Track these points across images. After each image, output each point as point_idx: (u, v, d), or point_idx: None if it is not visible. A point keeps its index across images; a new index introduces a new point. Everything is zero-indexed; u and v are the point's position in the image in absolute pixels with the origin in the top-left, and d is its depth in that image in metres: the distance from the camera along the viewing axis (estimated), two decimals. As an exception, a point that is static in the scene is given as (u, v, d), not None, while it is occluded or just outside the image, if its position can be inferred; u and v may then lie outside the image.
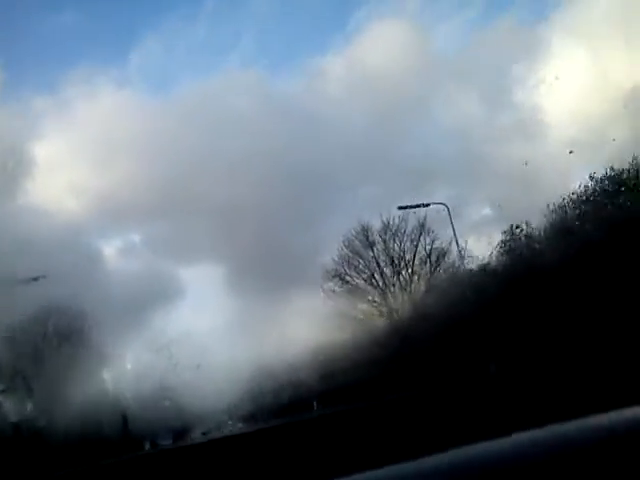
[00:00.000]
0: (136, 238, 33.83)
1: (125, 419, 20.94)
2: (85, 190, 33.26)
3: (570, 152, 23.00)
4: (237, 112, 33.44)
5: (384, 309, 26.12)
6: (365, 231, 27.81)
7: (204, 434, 24.59)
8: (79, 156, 33.73)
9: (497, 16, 51.22)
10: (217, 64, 50.01)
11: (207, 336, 23.68)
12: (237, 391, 22.75)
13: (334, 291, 27.28)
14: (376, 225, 27.96)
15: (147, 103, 37.39)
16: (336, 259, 27.74)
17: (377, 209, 27.74)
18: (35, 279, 19.25)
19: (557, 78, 25.66)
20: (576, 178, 22.43)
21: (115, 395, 21.63)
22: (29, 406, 19.78)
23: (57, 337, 22.14)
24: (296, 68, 48.21)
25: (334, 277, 27.61)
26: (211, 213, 29.38)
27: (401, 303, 25.31)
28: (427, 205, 22.58)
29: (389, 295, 26.63)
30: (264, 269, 28.34)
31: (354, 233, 27.74)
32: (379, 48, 36.17)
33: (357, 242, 27.87)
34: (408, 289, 26.58)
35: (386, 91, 34.08)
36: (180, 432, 23.10)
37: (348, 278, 27.56)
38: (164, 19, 58.91)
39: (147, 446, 22.39)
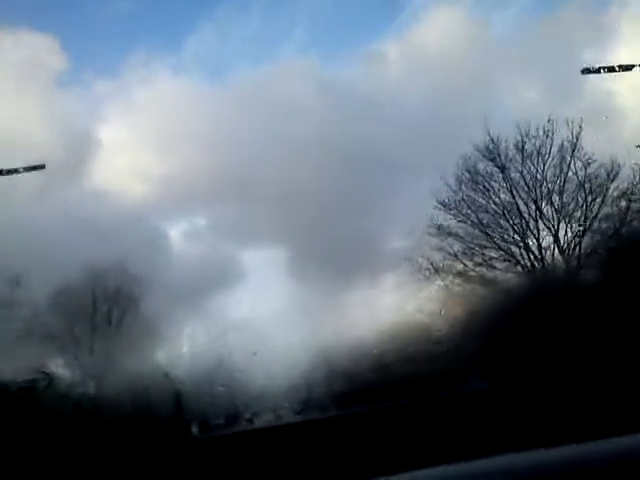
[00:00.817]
0: (201, 222, 33.03)
1: (179, 397, 19.69)
2: (150, 173, 32.85)
3: (637, 146, 21.97)
4: (295, 98, 32.36)
5: (522, 260, 19.73)
6: (495, 145, 20.27)
7: (252, 416, 23.43)
8: (142, 139, 33.45)
9: (554, 4, 50.11)
10: (271, 53, 50.20)
11: (266, 321, 22.48)
12: (295, 377, 21.66)
13: (448, 232, 20.27)
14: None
15: (204, 90, 37.00)
16: (453, 188, 20.51)
17: (440, 193, 21.42)
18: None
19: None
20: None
21: (168, 373, 20.34)
22: (85, 379, 18.49)
23: (107, 302, 20.77)
24: (351, 56, 47.65)
25: (450, 210, 20.39)
26: (274, 198, 28.62)
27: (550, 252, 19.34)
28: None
29: (530, 240, 19.66)
30: (326, 254, 27.14)
31: (477, 152, 20.55)
32: (437, 35, 34.93)
33: (482, 165, 20.58)
34: (553, 229, 19.61)
35: (444, 78, 32.77)
36: (233, 414, 22.07)
37: (469, 212, 20.37)
38: (219, 8, 59.69)
39: (195, 429, 21.24)
